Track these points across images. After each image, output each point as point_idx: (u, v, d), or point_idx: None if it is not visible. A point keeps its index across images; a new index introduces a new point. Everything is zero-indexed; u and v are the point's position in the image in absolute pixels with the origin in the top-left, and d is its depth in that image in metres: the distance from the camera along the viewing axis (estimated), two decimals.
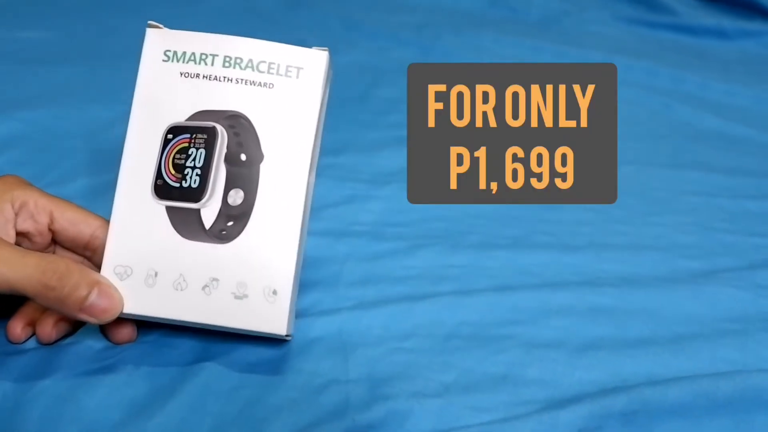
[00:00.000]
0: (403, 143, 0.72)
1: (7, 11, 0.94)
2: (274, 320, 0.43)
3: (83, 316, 0.42)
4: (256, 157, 0.44)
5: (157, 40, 0.45)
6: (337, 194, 0.61)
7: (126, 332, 0.45)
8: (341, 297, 0.50)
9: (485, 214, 0.60)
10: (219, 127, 0.44)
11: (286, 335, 0.43)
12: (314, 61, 0.45)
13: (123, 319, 0.44)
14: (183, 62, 0.45)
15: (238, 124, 0.44)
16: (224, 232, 0.43)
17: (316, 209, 0.58)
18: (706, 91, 0.88)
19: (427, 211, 0.60)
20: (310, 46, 0.45)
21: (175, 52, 0.45)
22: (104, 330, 0.45)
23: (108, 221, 0.44)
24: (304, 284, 0.49)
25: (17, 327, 0.44)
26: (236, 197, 0.44)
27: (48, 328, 0.44)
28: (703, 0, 1.13)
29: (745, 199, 0.66)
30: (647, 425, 0.41)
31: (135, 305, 0.43)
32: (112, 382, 0.42)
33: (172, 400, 0.41)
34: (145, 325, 0.46)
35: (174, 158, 0.44)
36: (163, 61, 0.45)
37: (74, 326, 0.45)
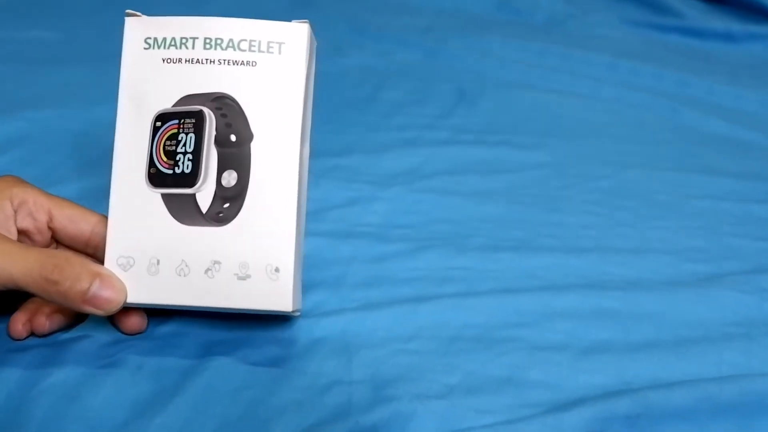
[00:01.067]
0: (409, 145, 0.72)
1: (13, 11, 0.94)
2: (279, 297, 0.43)
3: (88, 308, 0.42)
4: (246, 136, 0.44)
5: (137, 28, 0.45)
6: (342, 195, 0.61)
7: (135, 321, 0.45)
8: (345, 298, 0.50)
9: (490, 216, 0.60)
10: (206, 110, 0.44)
11: (294, 311, 0.43)
12: (295, 35, 0.44)
13: (131, 309, 0.44)
14: (164, 48, 0.45)
15: (224, 105, 0.44)
16: (221, 215, 0.44)
17: (320, 211, 0.58)
18: (713, 95, 0.88)
19: (432, 212, 0.60)
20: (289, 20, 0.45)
21: (155, 39, 0.45)
22: (114, 321, 0.45)
23: (107, 217, 0.44)
24: (308, 285, 0.49)
25: (19, 323, 0.44)
26: (230, 178, 0.44)
27: (42, 319, 0.44)
28: (711, 3, 1.13)
29: (751, 203, 0.66)
30: (651, 429, 0.41)
31: (140, 294, 0.43)
32: (116, 380, 0.42)
33: (175, 400, 0.41)
34: (150, 320, 0.46)
35: (165, 145, 0.44)
36: (145, 49, 0.45)
37: (71, 319, 0.45)
